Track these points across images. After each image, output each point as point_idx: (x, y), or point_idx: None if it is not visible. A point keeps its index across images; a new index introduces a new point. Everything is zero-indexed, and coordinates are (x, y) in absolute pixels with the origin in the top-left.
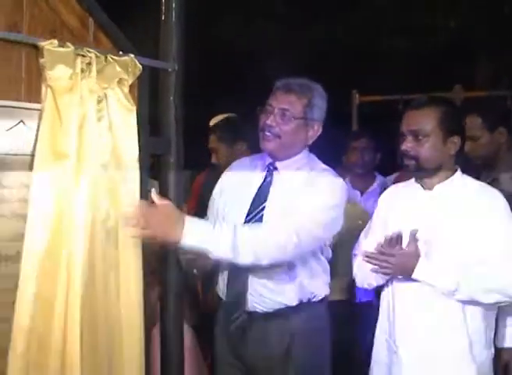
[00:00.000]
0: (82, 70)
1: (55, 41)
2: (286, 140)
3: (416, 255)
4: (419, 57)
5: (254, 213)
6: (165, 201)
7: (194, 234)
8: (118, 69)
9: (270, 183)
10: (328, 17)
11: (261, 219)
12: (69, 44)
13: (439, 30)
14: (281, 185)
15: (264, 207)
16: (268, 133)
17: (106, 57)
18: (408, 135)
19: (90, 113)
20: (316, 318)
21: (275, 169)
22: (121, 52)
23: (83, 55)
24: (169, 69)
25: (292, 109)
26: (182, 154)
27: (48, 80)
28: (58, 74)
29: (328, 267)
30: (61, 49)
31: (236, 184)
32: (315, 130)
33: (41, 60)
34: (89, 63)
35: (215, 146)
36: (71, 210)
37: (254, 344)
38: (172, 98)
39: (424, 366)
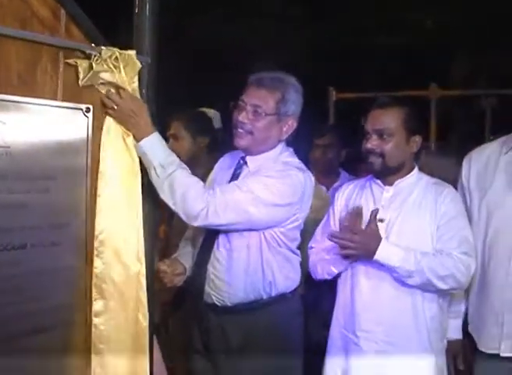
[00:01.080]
0: (114, 67)
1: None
2: (259, 136)
3: (377, 236)
4: (396, 55)
5: None
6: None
7: (155, 143)
8: (138, 66)
9: (238, 177)
10: (306, 15)
11: None
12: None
13: (415, 28)
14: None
15: None
16: (240, 130)
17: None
18: (373, 134)
19: None
20: (279, 313)
21: (245, 163)
22: (93, 45)
23: (110, 55)
24: (143, 63)
25: (264, 105)
26: None
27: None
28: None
29: (297, 261)
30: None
31: (216, 177)
32: (290, 125)
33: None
34: (116, 58)
35: (178, 133)
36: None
37: (213, 336)
38: (144, 91)
39: (384, 355)
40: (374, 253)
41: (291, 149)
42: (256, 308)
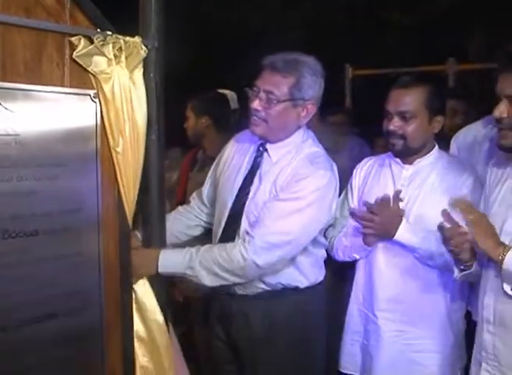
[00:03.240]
0: (115, 56)
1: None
2: (274, 124)
3: (398, 217)
4: (413, 30)
5: (240, 197)
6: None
7: (167, 266)
8: (143, 53)
9: (258, 166)
10: None
11: (243, 206)
12: (99, 33)
13: (432, 2)
14: (267, 171)
15: (249, 191)
16: (255, 118)
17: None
18: (395, 115)
19: (127, 94)
20: (302, 303)
21: (266, 150)
22: (98, 30)
23: (114, 42)
24: (149, 47)
25: (276, 91)
26: (163, 131)
27: (90, 71)
28: (97, 66)
29: (323, 253)
30: (91, 47)
31: (231, 162)
32: (309, 110)
33: (77, 53)
34: (120, 48)
35: (188, 114)
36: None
37: (236, 324)
38: (152, 75)
39: (403, 334)
40: (394, 233)
41: (312, 134)
42: (281, 295)
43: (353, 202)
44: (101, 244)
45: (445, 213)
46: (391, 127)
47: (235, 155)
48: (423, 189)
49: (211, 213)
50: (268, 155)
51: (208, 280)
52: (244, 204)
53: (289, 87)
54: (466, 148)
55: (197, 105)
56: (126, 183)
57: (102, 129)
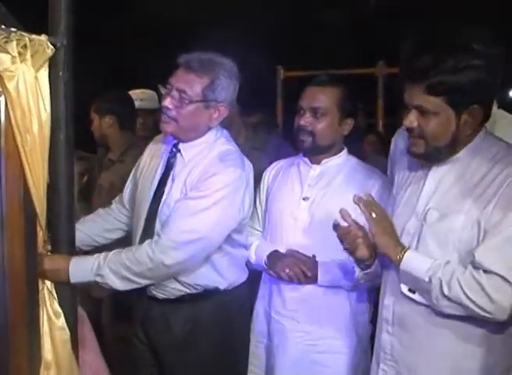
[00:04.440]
0: (19, 54)
1: None
2: (184, 124)
3: (314, 262)
4: (344, 32)
5: (156, 199)
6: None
7: (78, 275)
8: (49, 52)
9: (172, 166)
10: None
11: (158, 208)
12: (2, 29)
13: (363, 5)
14: (180, 171)
15: (163, 193)
16: (165, 116)
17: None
18: (307, 111)
19: (33, 92)
20: (224, 305)
21: (178, 151)
22: (3, 27)
23: (18, 39)
24: (58, 45)
25: (189, 91)
26: (72, 130)
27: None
28: (1, 64)
29: (243, 254)
30: None
31: (149, 164)
32: (220, 112)
33: None
34: (24, 46)
35: (92, 116)
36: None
37: (156, 328)
38: (61, 73)
39: (306, 335)
40: (315, 279)
41: (226, 132)
42: (203, 298)
43: (261, 205)
44: (5, 244)
45: (342, 212)
46: (302, 122)
47: (153, 157)
48: (329, 189)
49: (131, 217)
50: (181, 155)
51: (120, 285)
52: (159, 206)
53: (202, 87)
54: (401, 147)
55: (100, 106)
56: (36, 180)
57: (8, 127)
